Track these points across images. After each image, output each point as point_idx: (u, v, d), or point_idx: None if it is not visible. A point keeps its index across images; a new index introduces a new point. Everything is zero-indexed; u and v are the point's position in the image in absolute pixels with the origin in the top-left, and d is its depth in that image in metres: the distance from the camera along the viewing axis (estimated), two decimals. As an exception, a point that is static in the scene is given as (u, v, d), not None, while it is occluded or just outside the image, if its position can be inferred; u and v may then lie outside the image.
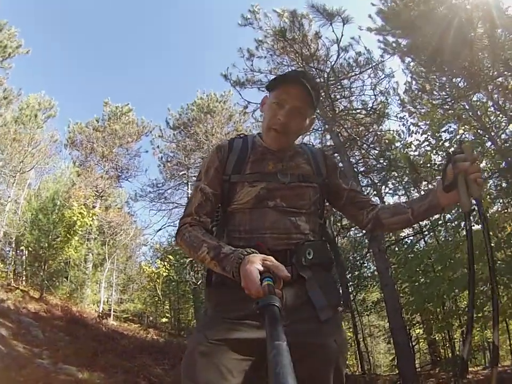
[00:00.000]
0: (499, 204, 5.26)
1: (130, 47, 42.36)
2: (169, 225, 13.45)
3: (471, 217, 1.02)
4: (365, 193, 1.30)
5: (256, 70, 7.49)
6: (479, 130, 4.96)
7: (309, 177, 1.20)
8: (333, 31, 6.31)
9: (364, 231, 6.48)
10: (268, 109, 1.18)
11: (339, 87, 7.48)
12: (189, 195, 12.82)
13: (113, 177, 13.56)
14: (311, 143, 7.59)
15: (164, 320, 8.66)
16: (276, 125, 1.14)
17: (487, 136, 4.89)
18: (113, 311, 10.35)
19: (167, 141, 13.00)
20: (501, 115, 4.98)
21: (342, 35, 6.37)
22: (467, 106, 5.29)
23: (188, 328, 11.63)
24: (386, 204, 1.23)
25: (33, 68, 27.84)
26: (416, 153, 6.39)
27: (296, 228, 1.11)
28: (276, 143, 1.17)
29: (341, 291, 1.18)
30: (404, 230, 6.64)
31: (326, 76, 7.04)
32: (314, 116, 1.27)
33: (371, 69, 6.82)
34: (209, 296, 1.14)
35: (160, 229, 13.67)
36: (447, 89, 5.35)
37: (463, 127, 5.00)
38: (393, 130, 7.46)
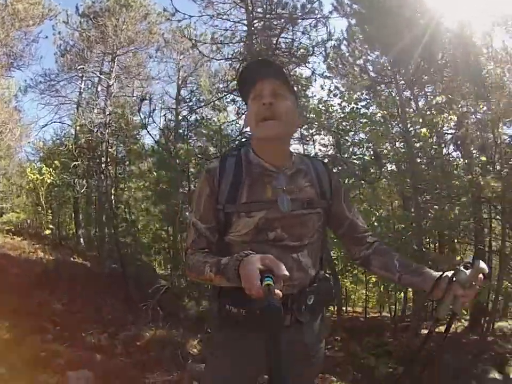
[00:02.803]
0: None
1: None
2: (55, 122, 12.05)
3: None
4: (363, 225, 1.22)
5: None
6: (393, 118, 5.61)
7: (313, 202, 1.11)
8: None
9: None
10: (249, 109, 1.10)
11: (276, 23, 7.26)
12: (82, 90, 11.21)
13: (4, 66, 10.91)
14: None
15: (47, 232, 7.99)
16: (261, 113, 1.04)
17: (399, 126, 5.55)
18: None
19: (71, 28, 10.94)
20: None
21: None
22: (393, 93, 5.83)
23: (67, 238, 11.01)
24: (379, 247, 1.13)
25: None
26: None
27: (298, 265, 1.06)
28: (271, 132, 1.04)
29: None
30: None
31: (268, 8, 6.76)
32: (295, 97, 1.17)
33: (314, 20, 6.75)
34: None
35: (45, 125, 11.98)
36: (378, 71, 5.82)
37: (382, 112, 5.56)
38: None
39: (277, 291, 0.73)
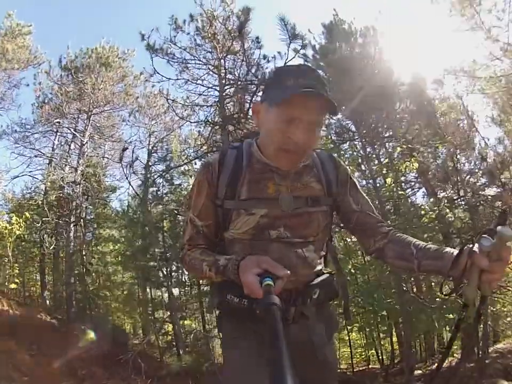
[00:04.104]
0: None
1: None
2: (25, 175, 11.78)
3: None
4: (375, 216, 1.12)
5: (177, 45, 7.23)
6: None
7: (319, 199, 1.05)
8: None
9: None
10: (273, 124, 0.95)
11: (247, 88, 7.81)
12: (55, 146, 11.16)
13: None
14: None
15: (13, 286, 7.59)
16: (289, 145, 0.94)
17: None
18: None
19: (51, 80, 11.18)
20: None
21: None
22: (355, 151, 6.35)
23: (32, 297, 10.43)
24: (394, 236, 1.05)
25: None
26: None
27: (303, 261, 1.02)
28: (290, 165, 1.00)
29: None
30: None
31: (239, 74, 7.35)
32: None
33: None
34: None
35: (16, 176, 11.70)
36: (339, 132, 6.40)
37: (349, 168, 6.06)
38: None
39: (277, 290, 0.75)
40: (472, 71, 6.36)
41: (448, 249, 0.91)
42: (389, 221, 5.64)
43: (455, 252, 0.86)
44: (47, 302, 10.20)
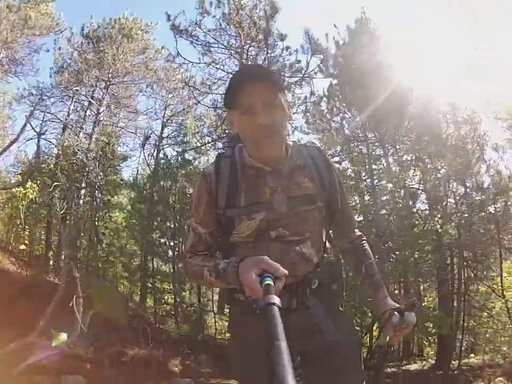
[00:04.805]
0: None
1: None
2: (38, 138, 11.98)
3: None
4: (352, 221, 1.29)
5: (202, 28, 7.41)
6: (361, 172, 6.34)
7: (313, 197, 1.11)
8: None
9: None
10: (242, 124, 1.05)
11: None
12: (70, 111, 11.22)
13: (6, 70, 10.99)
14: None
15: (22, 247, 7.93)
16: (260, 131, 1.01)
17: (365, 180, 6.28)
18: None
19: (72, 47, 11.27)
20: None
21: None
22: (364, 151, 6.60)
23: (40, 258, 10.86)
24: (358, 246, 1.24)
25: None
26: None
27: (301, 257, 1.08)
28: (274, 150, 1.06)
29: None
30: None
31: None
32: (286, 94, 1.14)
33: (300, 78, 7.56)
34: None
35: (31, 138, 11.94)
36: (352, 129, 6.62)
37: (353, 168, 6.29)
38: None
39: (277, 290, 0.77)
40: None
41: (380, 291, 1.17)
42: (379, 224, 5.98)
43: (380, 303, 1.15)
44: (51, 264, 10.61)
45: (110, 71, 11.27)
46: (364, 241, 1.26)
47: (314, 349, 1.09)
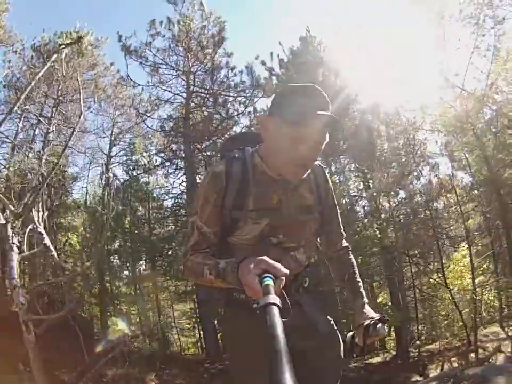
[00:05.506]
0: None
1: None
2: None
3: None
4: (340, 232, 1.35)
5: (151, 50, 7.51)
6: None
7: (311, 208, 1.18)
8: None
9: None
10: (285, 141, 1.04)
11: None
12: (19, 130, 10.63)
13: None
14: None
15: None
16: (299, 160, 1.05)
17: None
18: None
19: (22, 61, 10.82)
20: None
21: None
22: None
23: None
24: (343, 256, 1.34)
25: None
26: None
27: (295, 261, 1.17)
28: (297, 177, 1.11)
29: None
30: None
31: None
32: None
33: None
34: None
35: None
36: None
37: None
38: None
39: (278, 289, 0.79)
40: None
41: (359, 300, 1.25)
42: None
43: (358, 313, 1.23)
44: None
45: (60, 88, 10.95)
46: (350, 252, 1.35)
47: (311, 347, 1.15)
